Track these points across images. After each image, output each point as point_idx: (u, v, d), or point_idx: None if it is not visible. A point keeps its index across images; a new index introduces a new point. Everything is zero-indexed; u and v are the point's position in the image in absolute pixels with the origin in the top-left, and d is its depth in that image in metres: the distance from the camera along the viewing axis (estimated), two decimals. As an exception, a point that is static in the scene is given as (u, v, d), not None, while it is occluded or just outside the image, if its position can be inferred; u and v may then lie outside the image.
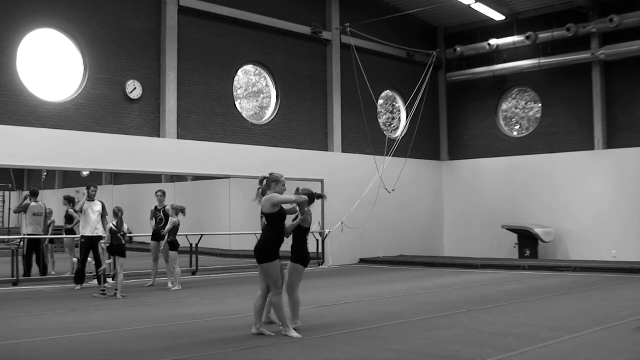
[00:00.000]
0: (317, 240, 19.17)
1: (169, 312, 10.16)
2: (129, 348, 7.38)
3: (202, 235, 16.99)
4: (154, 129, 16.38)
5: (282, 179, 8.09)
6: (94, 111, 15.45)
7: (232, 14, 17.83)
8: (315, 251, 19.08)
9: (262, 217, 8.02)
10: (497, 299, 11.32)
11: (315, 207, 18.88)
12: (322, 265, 19.30)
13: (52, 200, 16.85)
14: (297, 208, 8.33)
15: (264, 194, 8.13)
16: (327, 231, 19.39)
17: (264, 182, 8.17)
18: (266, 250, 7.91)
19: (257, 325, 8.04)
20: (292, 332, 7.87)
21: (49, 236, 14.96)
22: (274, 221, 7.93)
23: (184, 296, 12.31)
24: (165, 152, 16.33)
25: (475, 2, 19.39)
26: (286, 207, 8.21)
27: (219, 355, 6.94)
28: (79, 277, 13.38)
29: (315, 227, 18.86)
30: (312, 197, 8.45)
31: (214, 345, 7.40)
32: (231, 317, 9.46)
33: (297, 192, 8.38)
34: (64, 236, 15.07)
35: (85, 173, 16.99)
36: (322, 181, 19.46)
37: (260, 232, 8.18)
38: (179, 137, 16.65)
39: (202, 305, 11.00)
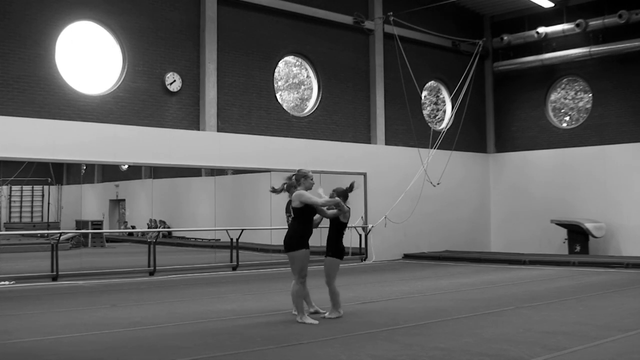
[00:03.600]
0: (360, 235, 18.82)
1: (209, 308, 9.99)
2: (170, 344, 7.23)
3: (242, 229, 16.76)
4: (194, 122, 16.22)
5: (309, 174, 8.75)
6: (133, 104, 15.36)
7: (272, 4, 17.59)
8: (358, 246, 18.79)
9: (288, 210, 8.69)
10: (546, 296, 11.11)
11: (358, 201, 18.75)
12: (364, 260, 18.95)
13: (90, 193, 16.84)
14: (337, 209, 8.79)
15: (288, 189, 9.01)
16: (370, 226, 19.03)
17: (292, 177, 8.88)
18: (292, 240, 8.55)
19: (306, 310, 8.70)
20: (307, 319, 8.39)
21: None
22: (299, 215, 8.57)
23: (225, 292, 12.19)
24: (205, 145, 16.16)
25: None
26: (330, 212, 8.76)
27: (260, 352, 6.81)
28: None
29: (357, 221, 18.55)
30: (346, 194, 8.87)
31: (255, 342, 7.25)
32: (272, 314, 9.31)
33: (332, 195, 8.82)
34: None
35: (124, 167, 16.90)
36: (364, 174, 19.14)
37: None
38: (218, 130, 16.47)
39: (243, 301, 10.84)
